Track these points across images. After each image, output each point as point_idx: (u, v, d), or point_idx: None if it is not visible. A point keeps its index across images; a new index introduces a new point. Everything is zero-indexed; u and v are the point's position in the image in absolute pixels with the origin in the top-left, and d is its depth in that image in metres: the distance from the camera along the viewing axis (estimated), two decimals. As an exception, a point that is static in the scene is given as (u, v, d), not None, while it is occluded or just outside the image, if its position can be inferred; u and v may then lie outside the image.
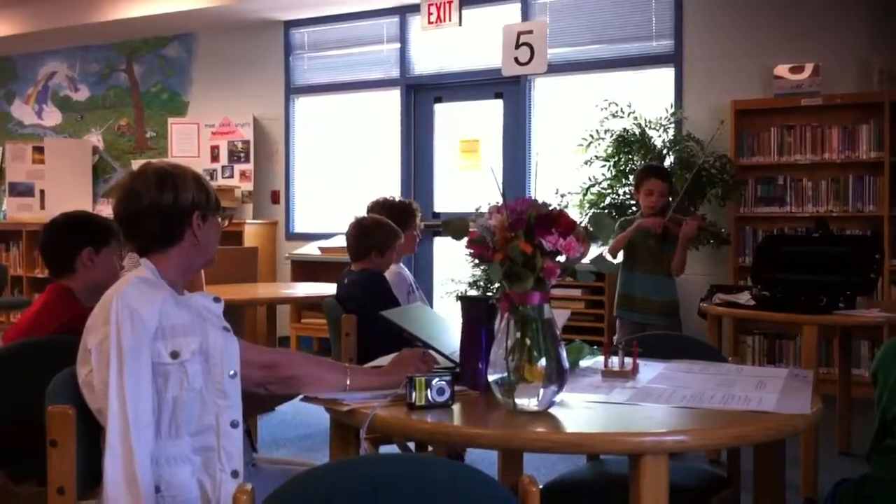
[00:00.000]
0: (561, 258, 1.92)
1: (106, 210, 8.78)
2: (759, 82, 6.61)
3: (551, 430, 1.85)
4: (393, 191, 7.80)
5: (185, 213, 2.13)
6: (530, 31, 6.89)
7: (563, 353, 1.95)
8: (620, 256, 5.00)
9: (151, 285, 2.04)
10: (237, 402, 2.05)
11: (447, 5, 7.41)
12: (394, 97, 8.28)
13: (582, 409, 2.03)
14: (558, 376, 1.93)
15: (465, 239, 2.00)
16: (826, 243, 4.36)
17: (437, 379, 1.98)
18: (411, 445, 3.90)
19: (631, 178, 6.07)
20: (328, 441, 2.27)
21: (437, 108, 8.15)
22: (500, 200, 1.97)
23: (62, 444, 1.89)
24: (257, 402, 2.25)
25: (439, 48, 8.03)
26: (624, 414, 2.00)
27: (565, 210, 1.98)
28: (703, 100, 6.82)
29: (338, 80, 8.60)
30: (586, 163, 6.62)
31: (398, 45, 8.22)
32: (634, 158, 6.38)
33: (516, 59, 6.91)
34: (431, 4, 7.43)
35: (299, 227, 8.83)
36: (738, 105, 6.50)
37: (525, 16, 7.50)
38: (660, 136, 6.58)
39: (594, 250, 2.01)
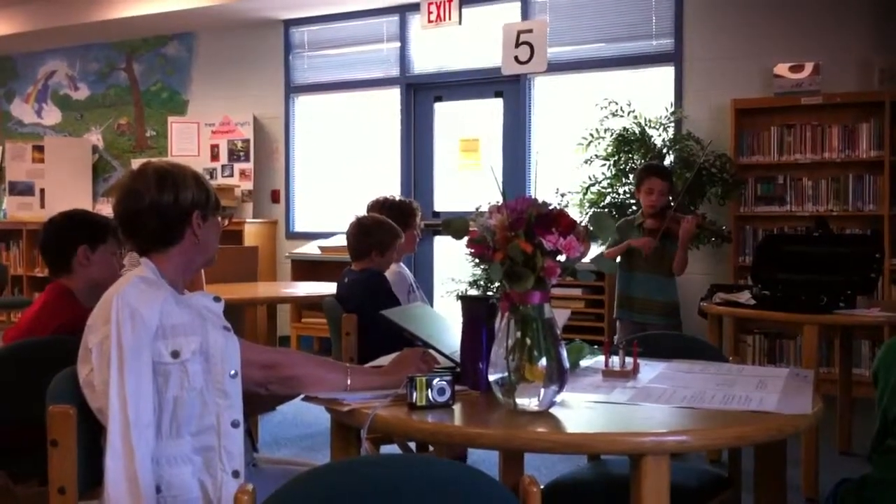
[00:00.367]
0: (561, 258, 1.92)
1: (106, 209, 8.78)
2: (760, 81, 6.61)
3: (552, 430, 1.85)
4: (393, 190, 7.79)
5: (185, 212, 2.13)
6: (530, 30, 6.88)
7: (564, 353, 1.95)
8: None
9: (152, 285, 2.04)
10: (238, 402, 2.04)
11: (447, 4, 7.40)
12: (394, 96, 8.28)
13: (583, 409, 2.03)
14: (559, 376, 1.93)
15: (466, 238, 2.00)
16: (826, 243, 4.35)
17: (437, 379, 1.98)
18: (412, 445, 3.90)
19: (631, 177, 6.08)
20: (329, 441, 2.27)
21: (437, 106, 8.15)
22: (501, 200, 1.97)
23: (63, 444, 1.89)
24: (258, 402, 2.25)
25: (439, 47, 8.03)
26: (625, 414, 2.00)
27: (565, 209, 1.97)
28: (703, 99, 6.82)
29: (338, 79, 8.60)
30: (586, 162, 6.62)
31: (398, 44, 8.22)
32: (634, 157, 6.38)
33: (516, 58, 6.90)
34: (431, 3, 7.43)
35: (299, 226, 8.83)
36: (738, 104, 6.49)
37: (525, 14, 7.50)
38: (660, 135, 6.58)
39: (594, 250, 2.00)
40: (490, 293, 6.12)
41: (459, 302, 2.30)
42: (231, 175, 8.94)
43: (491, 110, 7.84)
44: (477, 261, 2.02)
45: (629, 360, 2.43)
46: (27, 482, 2.57)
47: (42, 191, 9.73)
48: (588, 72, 7.38)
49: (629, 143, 6.44)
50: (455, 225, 2.02)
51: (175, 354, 1.97)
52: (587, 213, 6.37)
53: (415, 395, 1.96)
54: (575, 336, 3.59)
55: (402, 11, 8.11)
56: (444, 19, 7.38)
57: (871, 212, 6.17)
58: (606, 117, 6.61)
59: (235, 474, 2.01)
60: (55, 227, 2.97)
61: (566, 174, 6.88)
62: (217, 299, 2.13)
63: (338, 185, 8.60)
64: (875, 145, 6.14)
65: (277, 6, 8.29)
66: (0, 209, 10.24)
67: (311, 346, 8.06)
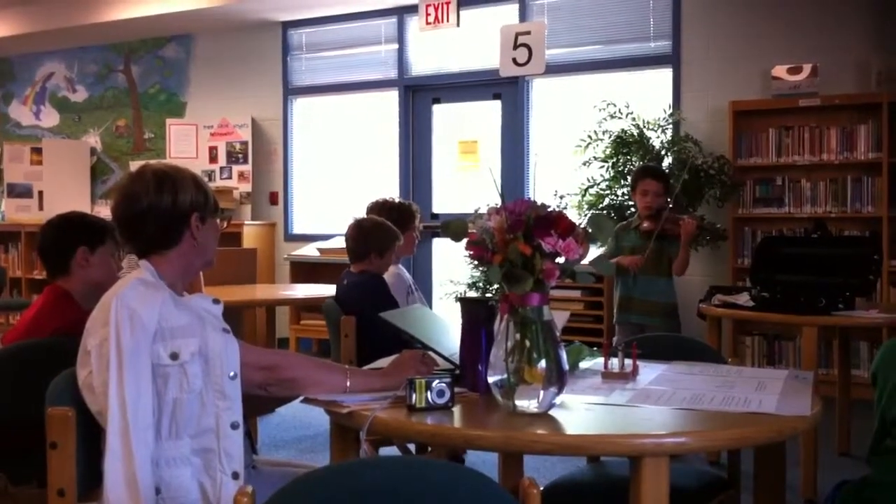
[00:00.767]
0: (560, 260, 1.92)
1: (104, 211, 8.77)
2: (758, 83, 6.61)
3: (551, 431, 1.85)
4: (391, 192, 7.80)
5: (184, 214, 2.13)
6: (528, 32, 6.89)
7: (563, 355, 1.95)
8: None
9: (151, 287, 2.04)
10: (237, 404, 2.04)
11: (445, 6, 7.41)
12: (392, 98, 8.28)
13: (582, 411, 2.03)
14: (558, 378, 1.93)
15: (465, 240, 2.00)
16: (825, 244, 4.36)
17: (437, 381, 1.98)
18: (411, 447, 3.90)
19: (630, 178, 6.08)
20: (328, 443, 2.27)
21: (436, 108, 8.15)
22: (499, 202, 1.97)
23: (62, 446, 1.89)
24: (257, 403, 2.25)
25: (437, 49, 8.03)
26: (624, 416, 2.00)
27: (564, 211, 1.98)
28: (701, 101, 6.82)
29: (336, 81, 8.60)
30: (585, 164, 6.62)
31: (396, 46, 8.22)
32: (633, 159, 6.38)
33: (514, 60, 6.91)
34: (429, 5, 7.43)
35: (298, 228, 8.82)
36: (736, 106, 6.50)
37: (523, 16, 7.51)
38: (658, 136, 6.59)
39: (593, 252, 2.01)
40: (489, 295, 6.13)
41: (458, 304, 2.30)
42: (229, 177, 8.94)
43: (489, 112, 7.84)
44: (476, 263, 2.03)
45: (628, 361, 2.43)
46: (26, 484, 2.57)
47: (40, 193, 9.72)
48: (586, 74, 7.38)
49: (627, 145, 6.44)
50: (454, 227, 2.02)
51: (174, 356, 1.97)
52: (586, 215, 6.37)
53: (414, 397, 1.96)
54: (574, 338, 3.59)
55: (401, 13, 8.11)
56: (443, 21, 7.39)
57: (869, 213, 6.17)
58: (605, 119, 6.62)
59: (235, 476, 2.01)
60: (54, 229, 2.97)
61: (565, 176, 6.88)
62: (216, 301, 2.13)
63: (336, 187, 8.60)
64: (873, 147, 6.14)
65: (275, 8, 8.29)
66: (-2, 211, 10.24)
67: (310, 348, 8.06)
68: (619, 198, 6.38)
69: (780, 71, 6.43)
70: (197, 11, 8.39)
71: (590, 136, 6.60)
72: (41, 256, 3.01)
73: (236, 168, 8.93)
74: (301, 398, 2.16)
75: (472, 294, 6.69)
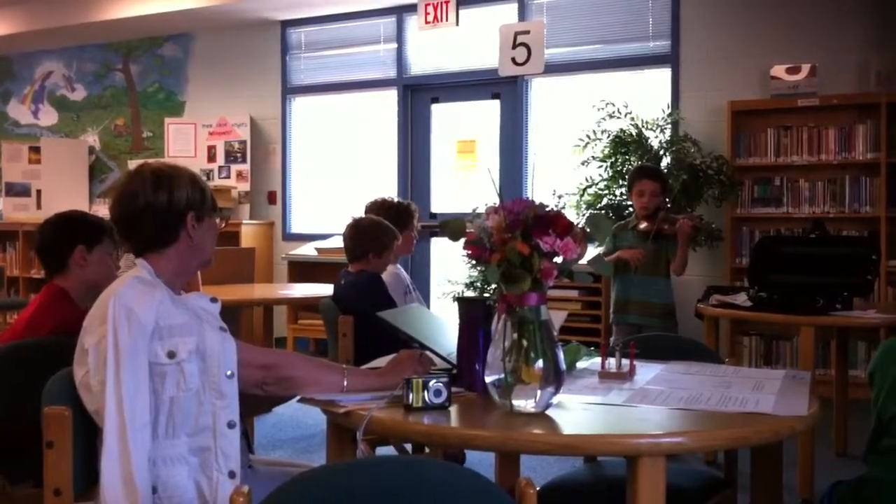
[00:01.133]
0: (558, 259, 1.92)
1: (102, 210, 8.75)
2: (756, 83, 6.61)
3: (548, 431, 1.85)
4: (390, 191, 7.79)
5: (180, 213, 2.13)
6: (527, 32, 6.88)
7: (560, 355, 1.95)
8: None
9: (148, 285, 2.04)
10: (234, 403, 2.04)
11: (444, 5, 7.40)
12: (391, 97, 8.28)
13: (579, 411, 2.03)
14: (555, 378, 1.93)
15: (463, 240, 2.00)
16: (823, 244, 4.36)
17: (434, 380, 1.97)
18: (408, 447, 3.89)
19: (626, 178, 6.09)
20: (325, 443, 2.27)
21: (434, 108, 8.15)
22: (497, 201, 1.97)
23: (59, 446, 1.89)
24: (254, 403, 2.25)
25: (436, 48, 8.04)
26: (621, 415, 2.00)
27: (562, 211, 1.97)
28: (699, 100, 6.82)
29: (335, 80, 8.60)
30: (583, 163, 6.62)
31: (395, 45, 8.22)
32: (631, 159, 6.38)
33: (513, 60, 6.90)
34: (428, 4, 7.42)
35: (296, 227, 8.82)
36: (734, 105, 6.50)
37: (522, 16, 7.51)
38: (656, 136, 6.59)
39: (591, 251, 2.01)
40: (487, 295, 6.12)
41: (456, 303, 2.30)
42: (228, 176, 8.94)
43: (488, 112, 7.84)
44: (474, 262, 2.02)
45: (625, 361, 2.43)
46: (23, 484, 2.57)
47: (38, 192, 9.72)
48: (585, 73, 7.38)
49: (626, 145, 6.44)
50: (452, 226, 2.02)
51: (171, 355, 1.97)
52: (584, 215, 6.38)
53: (411, 396, 1.96)
54: (571, 338, 3.60)
55: (400, 12, 8.11)
56: (442, 20, 7.38)
57: (867, 213, 6.17)
58: (603, 119, 6.62)
59: (231, 475, 2.01)
60: (52, 228, 2.97)
61: (563, 176, 6.88)
62: (214, 300, 2.13)
63: (335, 187, 8.60)
64: (871, 147, 6.15)
65: (274, 7, 8.29)
66: (-4, 210, 10.24)
67: (308, 347, 8.06)
68: (618, 198, 6.38)
69: (778, 71, 6.43)
70: (196, 10, 8.39)
71: (588, 136, 6.60)
72: (39, 255, 3.02)
73: (235, 167, 8.92)
74: (298, 398, 2.16)
75: (470, 294, 6.69)
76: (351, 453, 2.09)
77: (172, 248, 2.13)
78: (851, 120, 6.25)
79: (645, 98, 6.92)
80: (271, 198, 8.88)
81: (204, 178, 2.26)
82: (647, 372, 2.44)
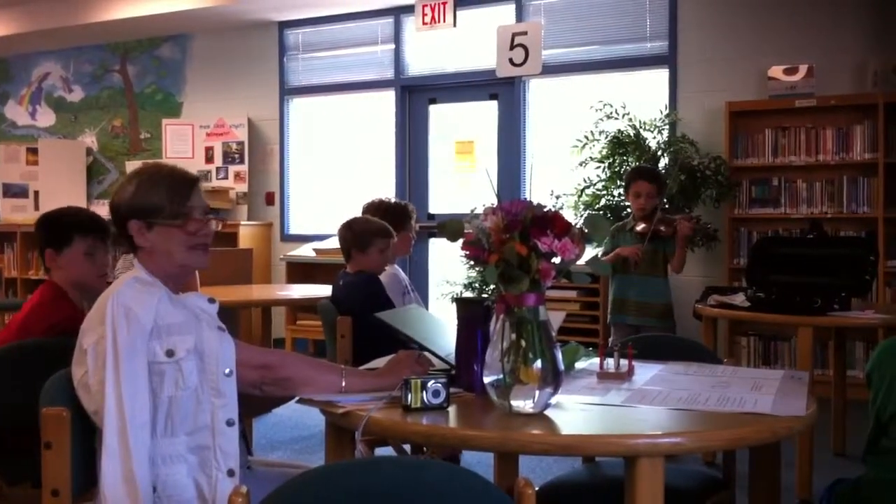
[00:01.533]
0: (556, 260, 1.92)
1: (101, 211, 8.75)
2: (754, 83, 6.62)
3: (547, 432, 1.85)
4: (388, 192, 7.79)
5: (124, 219, 2.12)
6: (525, 33, 6.89)
7: (559, 355, 1.95)
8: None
9: (147, 285, 2.05)
10: (233, 401, 2.04)
11: (441, 6, 7.40)
12: (388, 98, 8.28)
13: (577, 411, 2.03)
14: (554, 378, 1.93)
15: (461, 240, 2.00)
16: (820, 245, 4.36)
17: (432, 381, 1.97)
18: (407, 448, 3.89)
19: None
20: (324, 444, 2.26)
21: (432, 109, 8.15)
22: (495, 202, 1.97)
23: (57, 446, 1.89)
24: (253, 404, 2.25)
25: (434, 49, 8.03)
26: (619, 416, 2.00)
27: (560, 212, 1.97)
28: (697, 101, 6.83)
29: (332, 81, 8.60)
30: (581, 164, 6.62)
31: (393, 46, 8.22)
32: (629, 160, 6.39)
33: (511, 61, 6.91)
34: (426, 5, 7.42)
35: (294, 228, 8.82)
36: (732, 106, 6.50)
37: (519, 17, 7.51)
38: (654, 137, 6.59)
39: (589, 252, 2.01)
40: (485, 295, 6.12)
41: (454, 304, 2.30)
42: (225, 177, 8.93)
43: (486, 112, 7.84)
44: (472, 263, 2.02)
45: (624, 362, 2.43)
46: (21, 484, 2.57)
47: (36, 193, 9.71)
48: (583, 74, 7.39)
49: (624, 146, 6.44)
50: (450, 227, 2.02)
51: (170, 353, 1.97)
52: (582, 216, 6.38)
53: (410, 397, 1.96)
54: (570, 338, 3.60)
55: (397, 13, 8.11)
56: (439, 21, 7.38)
57: (865, 214, 6.18)
58: (601, 119, 6.62)
59: (230, 473, 2.01)
60: (35, 227, 3.00)
61: (561, 176, 6.88)
62: (212, 301, 2.13)
63: (333, 188, 8.60)
64: (869, 147, 6.15)
65: (272, 8, 8.29)
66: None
67: (306, 348, 8.05)
68: (616, 198, 6.38)
69: (776, 71, 6.44)
70: (193, 11, 8.38)
71: (586, 137, 6.60)
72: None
73: (232, 168, 8.92)
74: (297, 398, 2.15)
75: (469, 294, 6.69)
76: (350, 454, 2.09)
77: (143, 252, 2.13)
78: (849, 120, 6.25)
79: (642, 99, 6.92)
80: (269, 199, 8.87)
81: (190, 179, 2.18)
82: (645, 372, 2.44)
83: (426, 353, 2.32)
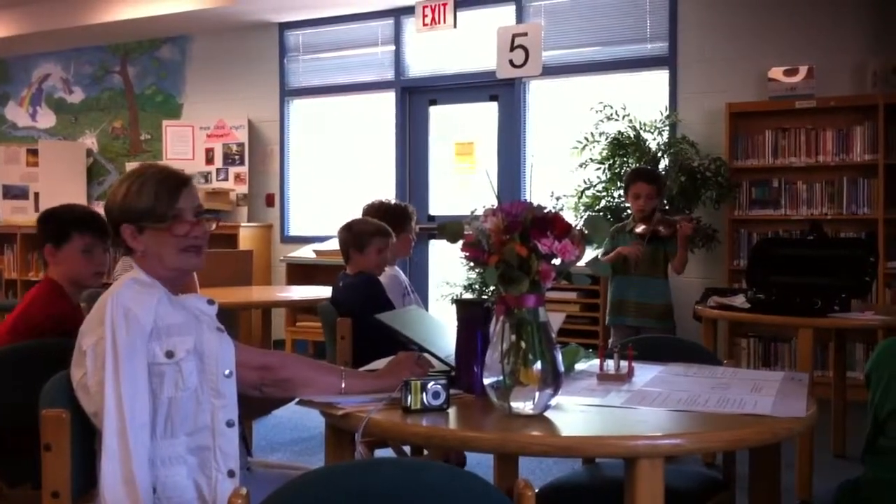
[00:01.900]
0: (556, 261, 1.92)
1: (100, 211, 8.75)
2: (754, 85, 6.62)
3: (547, 433, 1.85)
4: (388, 194, 7.79)
5: (116, 223, 2.12)
6: (525, 34, 6.89)
7: (559, 357, 1.95)
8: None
9: (146, 286, 2.04)
10: (233, 402, 2.04)
11: (442, 7, 7.40)
12: (389, 99, 8.28)
13: (577, 413, 2.03)
14: (554, 379, 1.93)
15: (461, 242, 2.00)
16: (820, 246, 4.36)
17: (432, 382, 1.97)
18: (407, 449, 3.89)
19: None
20: (323, 445, 2.26)
21: (432, 110, 8.15)
22: (496, 203, 1.97)
23: (56, 448, 1.89)
24: (253, 406, 2.24)
25: (434, 50, 8.04)
26: (619, 417, 2.00)
27: (560, 213, 1.97)
28: (697, 102, 6.83)
29: (333, 83, 8.60)
30: (581, 165, 6.62)
31: (393, 48, 8.22)
32: (629, 161, 6.39)
33: (511, 62, 6.91)
34: (426, 7, 7.43)
35: (294, 230, 8.82)
36: (732, 108, 6.50)
37: (519, 18, 7.51)
38: (654, 138, 6.59)
39: (589, 253, 2.01)
40: (485, 297, 6.12)
41: (454, 305, 2.30)
42: (226, 178, 8.93)
43: (486, 114, 7.84)
44: (472, 264, 2.02)
45: (624, 363, 2.43)
46: (21, 486, 2.57)
47: (36, 194, 9.71)
48: (583, 75, 7.39)
49: (624, 147, 6.44)
50: (450, 228, 2.02)
51: (169, 354, 1.97)
52: (582, 217, 6.38)
53: (409, 398, 1.96)
54: (570, 340, 3.60)
55: (397, 15, 8.11)
56: (439, 23, 7.38)
57: (865, 215, 6.18)
58: (601, 121, 6.62)
59: (231, 474, 2.01)
60: (37, 224, 3.02)
61: (561, 178, 6.88)
62: (211, 302, 2.13)
63: (333, 189, 8.60)
64: (869, 149, 6.15)
65: (272, 9, 8.29)
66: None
67: (306, 349, 8.05)
68: (616, 200, 6.38)
69: (776, 73, 6.44)
70: (193, 13, 8.38)
71: (586, 138, 6.60)
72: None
73: (233, 169, 8.92)
74: (296, 400, 2.15)
75: (469, 296, 6.69)
76: (349, 455, 2.08)
77: (137, 255, 2.12)
78: (849, 122, 6.25)
79: (643, 100, 6.92)
80: (269, 200, 8.87)
81: (174, 182, 2.14)
82: (645, 374, 2.44)
83: (426, 355, 2.32)
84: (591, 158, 6.59)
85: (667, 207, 4.98)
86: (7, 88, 10.61)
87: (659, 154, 6.49)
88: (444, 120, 8.12)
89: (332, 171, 8.64)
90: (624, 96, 6.84)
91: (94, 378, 1.95)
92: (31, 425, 1.94)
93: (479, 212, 1.99)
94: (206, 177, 8.87)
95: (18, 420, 2.26)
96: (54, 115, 10.29)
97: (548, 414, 1.94)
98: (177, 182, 2.14)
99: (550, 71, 7.25)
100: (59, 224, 2.94)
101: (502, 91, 7.69)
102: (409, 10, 7.82)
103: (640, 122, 6.60)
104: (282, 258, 8.23)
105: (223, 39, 9.03)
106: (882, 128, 6.06)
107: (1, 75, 10.63)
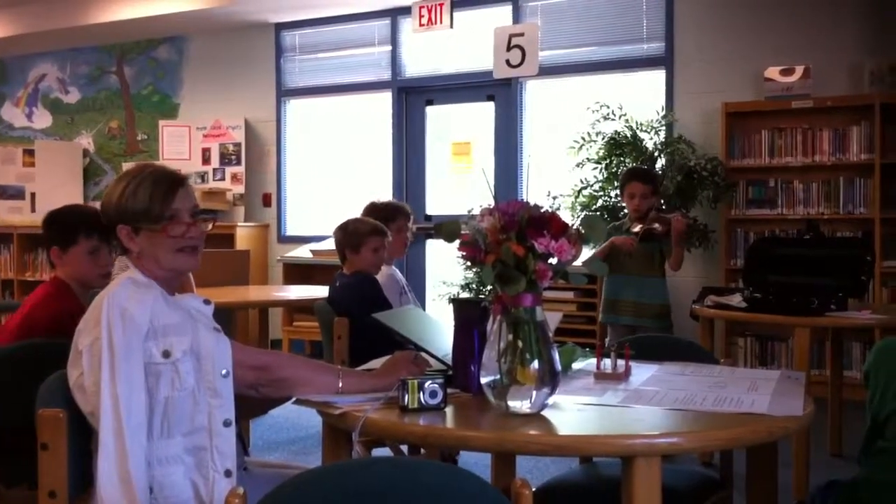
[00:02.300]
0: (553, 260, 1.92)
1: (97, 213, 8.73)
2: (750, 84, 6.62)
3: (544, 432, 1.85)
4: (385, 193, 7.79)
5: (112, 224, 2.12)
6: (522, 34, 6.90)
7: (556, 356, 1.95)
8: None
9: (142, 286, 2.04)
10: (229, 402, 2.04)
11: (438, 8, 7.40)
12: (385, 99, 8.27)
13: (574, 412, 2.03)
14: (551, 379, 1.93)
15: (457, 241, 2.00)
16: (817, 245, 4.37)
17: (429, 382, 1.97)
18: (404, 448, 3.89)
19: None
20: (320, 445, 2.26)
21: (429, 110, 8.15)
22: (492, 203, 1.97)
23: (53, 448, 1.89)
24: (250, 405, 2.24)
25: (431, 50, 8.03)
26: (616, 416, 2.00)
27: (557, 212, 1.97)
28: (694, 102, 6.83)
29: (329, 83, 8.59)
30: (578, 165, 6.62)
31: (389, 48, 8.22)
32: (626, 161, 6.39)
33: (508, 62, 6.91)
34: (423, 7, 7.43)
35: (291, 229, 8.81)
36: (729, 107, 6.51)
37: (516, 18, 7.51)
38: (651, 138, 6.60)
39: (586, 253, 2.01)
40: (482, 296, 6.12)
41: (451, 305, 2.30)
42: (222, 178, 8.92)
43: (483, 114, 7.84)
44: (469, 264, 2.02)
45: (621, 362, 2.43)
46: (18, 486, 2.57)
47: (33, 195, 9.70)
48: (579, 75, 7.39)
49: (621, 147, 6.45)
50: (447, 228, 2.02)
51: (166, 354, 1.97)
52: (579, 217, 6.38)
53: (406, 397, 1.96)
54: (567, 339, 3.60)
55: (394, 15, 8.11)
56: (436, 23, 7.39)
57: (861, 215, 6.18)
58: (598, 121, 6.63)
59: (227, 473, 2.01)
60: (42, 225, 3.02)
61: (558, 177, 6.89)
62: (207, 302, 2.13)
63: (330, 189, 8.59)
64: (865, 148, 6.16)
65: (268, 9, 8.28)
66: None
67: (303, 349, 8.05)
68: (613, 199, 6.39)
69: (772, 72, 6.45)
70: (190, 13, 8.38)
71: (583, 138, 6.61)
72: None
73: (229, 170, 8.91)
74: (293, 399, 2.15)
75: (465, 295, 6.69)
76: (346, 455, 2.09)
77: (133, 256, 2.12)
78: (845, 121, 6.26)
79: (639, 100, 6.92)
80: (266, 200, 8.87)
81: (169, 182, 2.13)
82: (642, 373, 2.44)
83: (423, 354, 2.32)
84: (587, 158, 6.60)
85: (663, 207, 4.97)
86: (3, 89, 10.60)
87: (655, 154, 6.49)
88: (440, 120, 8.12)
89: (329, 171, 8.64)
90: (620, 96, 6.85)
91: (90, 378, 1.95)
92: (30, 425, 1.94)
93: (476, 211, 1.99)
94: (203, 177, 8.87)
95: (17, 419, 2.26)
96: (51, 115, 10.27)
97: (545, 413, 1.94)
98: (173, 182, 2.13)
99: (547, 71, 7.25)
100: (66, 227, 2.95)
101: (499, 91, 7.69)
102: (405, 11, 7.82)
103: (637, 122, 6.60)
104: (278, 258, 8.22)
105: (220, 39, 9.02)
106: (878, 127, 6.06)
107: (-3, 75, 10.63)
